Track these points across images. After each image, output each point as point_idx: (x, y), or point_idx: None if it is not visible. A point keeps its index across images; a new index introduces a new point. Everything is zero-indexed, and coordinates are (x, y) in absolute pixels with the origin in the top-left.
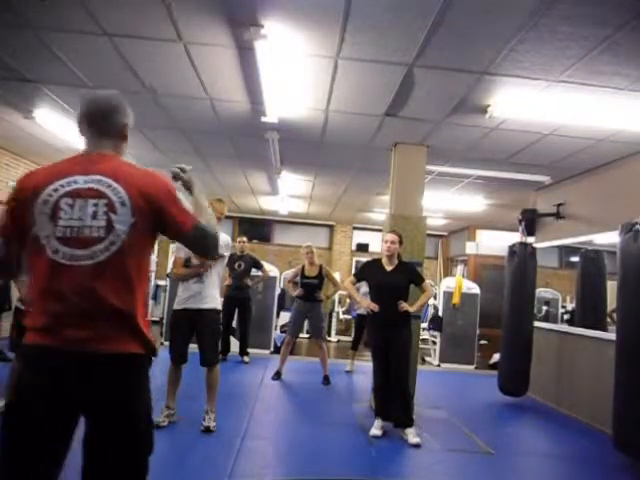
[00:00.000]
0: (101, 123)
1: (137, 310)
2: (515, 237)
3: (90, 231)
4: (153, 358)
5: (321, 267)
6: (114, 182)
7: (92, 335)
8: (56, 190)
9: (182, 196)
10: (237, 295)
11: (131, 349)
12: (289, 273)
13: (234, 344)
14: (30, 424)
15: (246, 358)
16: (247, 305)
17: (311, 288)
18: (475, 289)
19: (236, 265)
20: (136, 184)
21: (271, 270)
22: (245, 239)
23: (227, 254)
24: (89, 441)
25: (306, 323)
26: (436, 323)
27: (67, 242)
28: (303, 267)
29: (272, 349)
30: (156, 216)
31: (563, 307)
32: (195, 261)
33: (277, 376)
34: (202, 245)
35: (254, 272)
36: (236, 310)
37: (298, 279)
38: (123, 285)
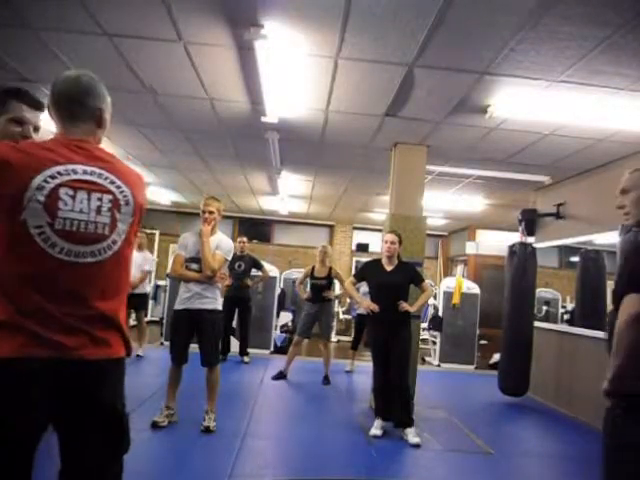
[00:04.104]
0: (73, 109)
1: (121, 313)
2: (515, 237)
3: (95, 227)
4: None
5: (331, 269)
6: (116, 179)
7: (84, 341)
8: (53, 177)
9: None
10: (237, 295)
11: (119, 353)
12: (299, 275)
13: (234, 344)
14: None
15: (246, 358)
16: (247, 305)
17: (319, 289)
18: (475, 289)
19: (236, 265)
20: (134, 185)
21: (271, 270)
22: (245, 239)
23: (229, 258)
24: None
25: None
26: (436, 323)
27: (67, 236)
28: (313, 267)
29: (272, 349)
30: (141, 218)
31: (563, 307)
32: (195, 265)
33: (280, 376)
34: None
35: (254, 272)
36: (236, 310)
37: (307, 280)
38: (114, 290)
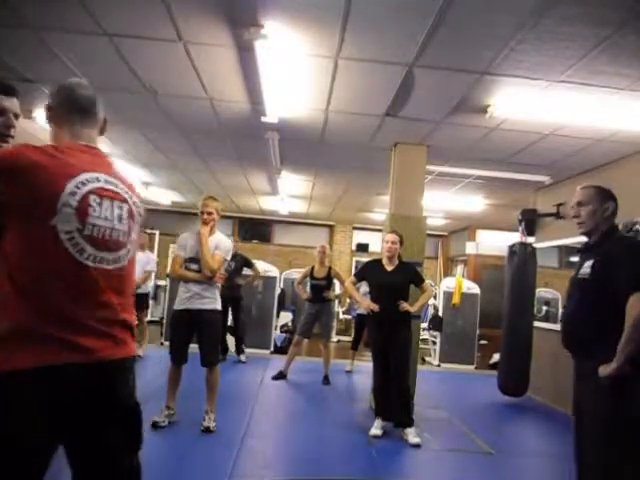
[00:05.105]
0: (89, 113)
1: (133, 314)
2: (515, 237)
3: (118, 234)
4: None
5: (330, 269)
6: (127, 190)
7: (109, 344)
8: (83, 184)
9: None
10: (228, 295)
11: (133, 351)
12: (298, 275)
13: (231, 343)
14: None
15: (242, 357)
16: (238, 305)
17: (319, 289)
18: (475, 289)
19: (226, 264)
20: (137, 193)
21: (271, 270)
22: (235, 238)
23: (229, 258)
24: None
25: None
26: (436, 323)
27: (94, 242)
28: (313, 268)
29: (272, 349)
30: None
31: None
32: (194, 266)
33: (280, 376)
34: None
35: (249, 272)
36: (229, 310)
37: (307, 280)
38: (128, 295)
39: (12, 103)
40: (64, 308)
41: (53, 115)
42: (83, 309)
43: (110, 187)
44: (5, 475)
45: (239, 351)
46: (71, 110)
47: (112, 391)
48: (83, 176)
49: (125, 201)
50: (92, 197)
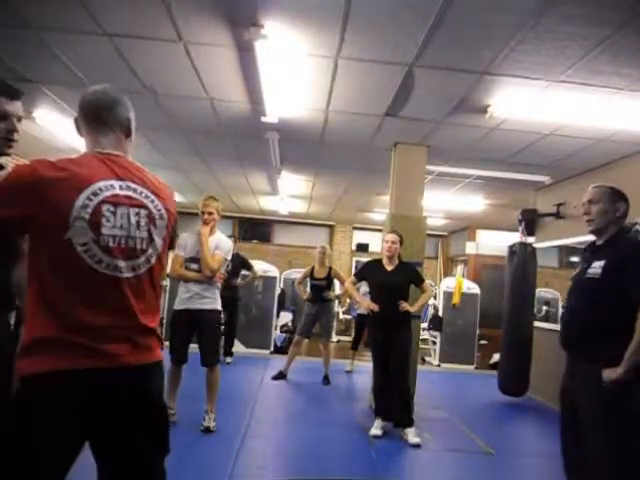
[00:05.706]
0: (102, 118)
1: (157, 323)
2: (515, 237)
3: (134, 242)
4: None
5: (330, 269)
6: (150, 193)
7: (131, 349)
8: (95, 194)
9: None
10: (225, 295)
11: (160, 356)
12: (298, 275)
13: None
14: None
15: (228, 359)
16: (234, 306)
17: (319, 289)
18: (475, 289)
19: (225, 265)
20: (166, 197)
21: (270, 270)
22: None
23: (229, 258)
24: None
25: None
26: (436, 323)
27: (111, 252)
28: (313, 268)
29: (272, 349)
30: (173, 231)
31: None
32: (195, 265)
33: (280, 376)
34: None
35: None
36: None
37: (307, 280)
38: (150, 300)
39: (15, 107)
40: (84, 317)
41: (78, 126)
42: (103, 317)
43: (127, 193)
44: (30, 472)
45: (227, 353)
46: (86, 118)
47: (142, 396)
48: (96, 185)
49: (143, 206)
50: (105, 207)
